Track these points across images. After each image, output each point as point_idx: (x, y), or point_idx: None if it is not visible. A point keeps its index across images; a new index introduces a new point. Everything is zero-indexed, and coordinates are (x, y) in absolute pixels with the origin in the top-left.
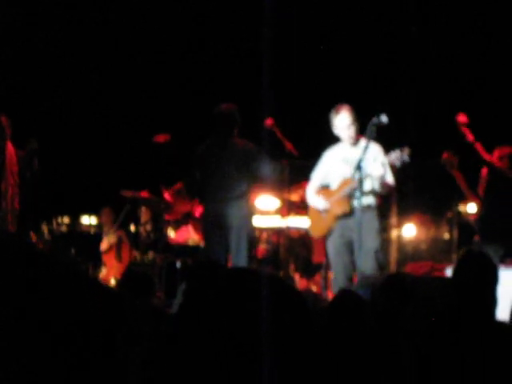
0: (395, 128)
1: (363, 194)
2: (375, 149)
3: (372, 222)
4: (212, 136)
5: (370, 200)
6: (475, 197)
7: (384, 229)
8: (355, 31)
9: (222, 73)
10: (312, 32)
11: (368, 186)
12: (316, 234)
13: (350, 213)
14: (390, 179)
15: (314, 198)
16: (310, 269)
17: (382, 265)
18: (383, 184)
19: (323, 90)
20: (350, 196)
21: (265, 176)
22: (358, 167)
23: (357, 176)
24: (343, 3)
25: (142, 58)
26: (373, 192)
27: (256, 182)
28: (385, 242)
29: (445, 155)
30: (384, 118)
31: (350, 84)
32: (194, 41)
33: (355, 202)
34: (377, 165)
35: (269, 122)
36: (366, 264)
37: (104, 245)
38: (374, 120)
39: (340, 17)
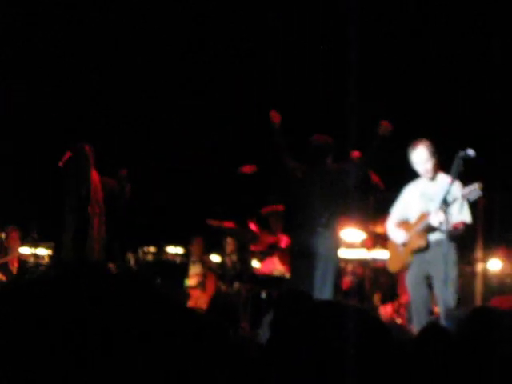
0: (483, 162)
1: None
2: (457, 186)
3: (450, 254)
4: (306, 165)
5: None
6: None
7: (469, 262)
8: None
9: (308, 104)
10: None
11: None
12: (393, 268)
13: (426, 247)
14: (466, 217)
15: (393, 231)
16: (395, 301)
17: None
18: (457, 225)
19: (409, 122)
20: (426, 230)
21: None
22: (445, 202)
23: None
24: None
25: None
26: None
27: (347, 204)
28: (470, 276)
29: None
30: (471, 152)
31: (431, 118)
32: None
33: (432, 236)
34: (456, 205)
35: (355, 154)
36: (446, 295)
37: (192, 277)
38: (461, 154)
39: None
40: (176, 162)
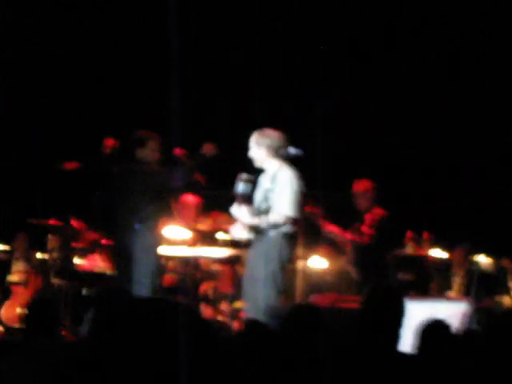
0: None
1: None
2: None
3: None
4: (124, 160)
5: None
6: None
7: (290, 259)
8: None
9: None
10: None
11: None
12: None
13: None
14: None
15: None
16: (215, 298)
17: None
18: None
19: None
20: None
21: (179, 183)
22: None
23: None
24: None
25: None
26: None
27: (164, 203)
28: (291, 273)
29: (307, 209)
30: (292, 150)
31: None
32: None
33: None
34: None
35: (178, 151)
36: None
37: (15, 273)
38: (282, 151)
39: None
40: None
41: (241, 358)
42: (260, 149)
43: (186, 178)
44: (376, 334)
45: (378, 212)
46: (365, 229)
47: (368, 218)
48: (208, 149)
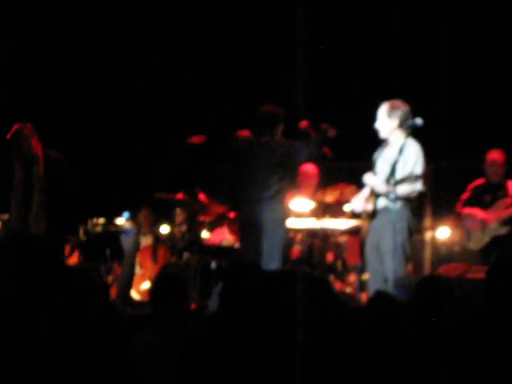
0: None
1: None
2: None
3: (397, 221)
4: (253, 135)
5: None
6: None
7: (418, 231)
8: (386, 30)
9: (254, 74)
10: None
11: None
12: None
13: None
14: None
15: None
16: (344, 270)
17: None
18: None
19: (359, 90)
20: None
21: (311, 157)
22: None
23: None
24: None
25: (173, 60)
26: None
27: (292, 177)
28: (419, 244)
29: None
30: (419, 121)
31: (384, 84)
32: (225, 40)
33: (380, 203)
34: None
35: (303, 123)
36: (395, 263)
37: (142, 248)
38: (409, 122)
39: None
40: (127, 133)
41: (369, 329)
42: (392, 120)
43: (315, 152)
44: (502, 305)
45: None
46: None
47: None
48: (328, 129)
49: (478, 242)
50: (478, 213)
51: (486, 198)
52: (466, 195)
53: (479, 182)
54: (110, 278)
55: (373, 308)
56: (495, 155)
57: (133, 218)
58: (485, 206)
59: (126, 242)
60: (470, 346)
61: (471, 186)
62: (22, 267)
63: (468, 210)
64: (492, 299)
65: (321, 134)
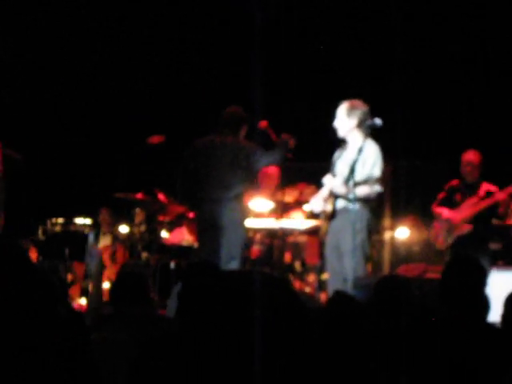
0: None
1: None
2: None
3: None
4: (212, 135)
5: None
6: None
7: (377, 231)
8: (347, 30)
9: (214, 74)
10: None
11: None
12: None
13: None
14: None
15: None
16: (303, 270)
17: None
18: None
19: (319, 90)
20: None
21: (271, 163)
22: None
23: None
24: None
25: (135, 59)
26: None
27: (251, 179)
28: (378, 244)
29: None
30: (378, 121)
31: (344, 84)
32: (185, 41)
33: (339, 203)
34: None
35: (263, 123)
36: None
37: (102, 248)
38: (368, 122)
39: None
40: (85, 132)
41: (328, 329)
42: (350, 119)
43: (277, 162)
44: (458, 305)
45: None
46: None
47: (484, 189)
48: (288, 140)
49: (443, 241)
50: (444, 212)
51: (456, 197)
52: (441, 195)
53: (455, 182)
54: (69, 277)
55: (332, 308)
56: (471, 156)
57: (92, 217)
58: (454, 206)
59: (92, 263)
60: (427, 345)
61: (446, 185)
62: None
63: (438, 210)
64: (445, 299)
65: (283, 144)
